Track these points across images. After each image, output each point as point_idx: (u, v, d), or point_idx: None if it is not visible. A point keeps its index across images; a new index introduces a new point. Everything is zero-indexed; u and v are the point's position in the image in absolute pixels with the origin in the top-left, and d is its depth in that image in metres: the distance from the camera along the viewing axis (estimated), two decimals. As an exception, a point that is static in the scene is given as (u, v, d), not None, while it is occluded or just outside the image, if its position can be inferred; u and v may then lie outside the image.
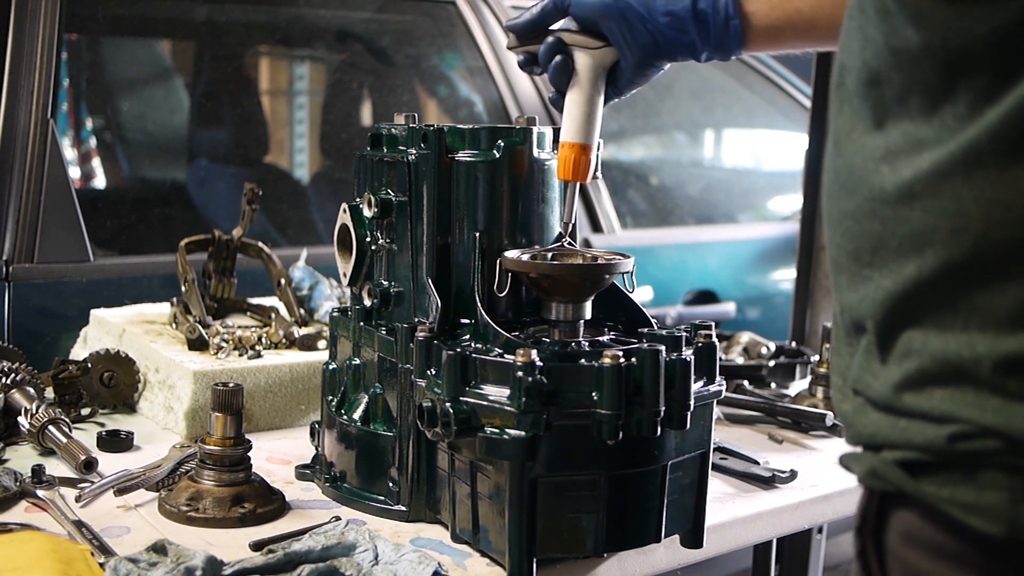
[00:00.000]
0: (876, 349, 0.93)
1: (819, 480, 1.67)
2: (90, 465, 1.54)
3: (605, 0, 1.41)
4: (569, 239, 1.46)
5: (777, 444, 1.87)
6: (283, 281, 2.06)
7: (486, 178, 1.44)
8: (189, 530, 1.39)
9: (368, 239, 1.50)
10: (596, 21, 1.42)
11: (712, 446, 1.39)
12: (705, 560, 1.48)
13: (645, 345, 1.26)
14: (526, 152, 1.45)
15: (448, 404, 1.24)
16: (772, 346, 2.35)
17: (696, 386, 1.30)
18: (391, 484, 1.45)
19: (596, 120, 1.44)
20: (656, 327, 1.38)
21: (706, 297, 3.08)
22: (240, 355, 1.84)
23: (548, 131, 1.50)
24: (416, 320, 1.44)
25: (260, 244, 2.10)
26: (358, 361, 1.53)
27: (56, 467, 1.57)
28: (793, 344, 2.47)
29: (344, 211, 1.52)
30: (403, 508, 1.44)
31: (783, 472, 1.65)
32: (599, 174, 1.55)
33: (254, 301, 2.11)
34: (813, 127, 2.63)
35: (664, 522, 1.33)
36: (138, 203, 3.09)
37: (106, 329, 1.99)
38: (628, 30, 1.41)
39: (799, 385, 2.22)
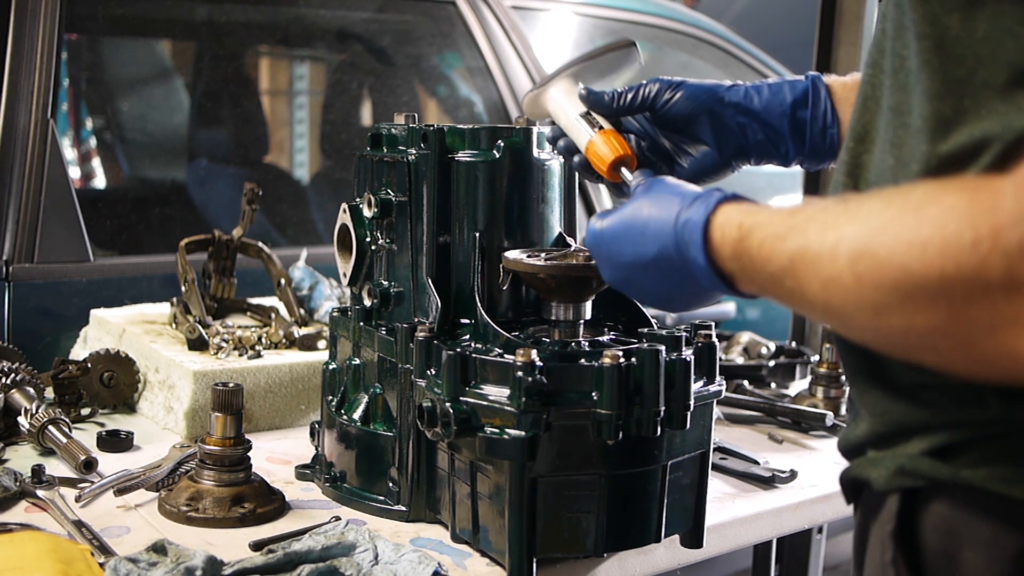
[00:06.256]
0: None
1: (819, 480, 1.67)
2: (90, 465, 1.54)
3: (703, 102, 1.39)
4: (569, 238, 1.45)
5: (777, 444, 1.87)
6: (283, 281, 2.06)
7: (486, 178, 1.44)
8: (189, 530, 1.39)
9: (368, 239, 1.50)
10: (689, 120, 1.40)
11: (712, 446, 1.39)
12: (705, 560, 1.48)
13: (645, 345, 1.26)
14: (526, 152, 1.45)
15: (448, 404, 1.24)
16: (772, 346, 2.35)
17: (696, 386, 1.30)
18: (391, 484, 1.45)
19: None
20: (656, 327, 1.38)
21: (706, 297, 3.07)
22: (240, 355, 1.84)
23: (548, 131, 1.50)
24: (416, 320, 1.44)
25: (260, 244, 2.10)
26: (358, 361, 1.53)
27: (56, 467, 1.57)
28: (793, 344, 2.47)
29: (344, 211, 1.52)
30: (403, 508, 1.43)
31: (783, 472, 1.65)
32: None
33: (254, 301, 2.11)
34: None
35: (664, 522, 1.33)
36: (138, 203, 3.09)
37: (106, 329, 1.99)
38: (722, 132, 1.40)
39: (799, 385, 2.21)
